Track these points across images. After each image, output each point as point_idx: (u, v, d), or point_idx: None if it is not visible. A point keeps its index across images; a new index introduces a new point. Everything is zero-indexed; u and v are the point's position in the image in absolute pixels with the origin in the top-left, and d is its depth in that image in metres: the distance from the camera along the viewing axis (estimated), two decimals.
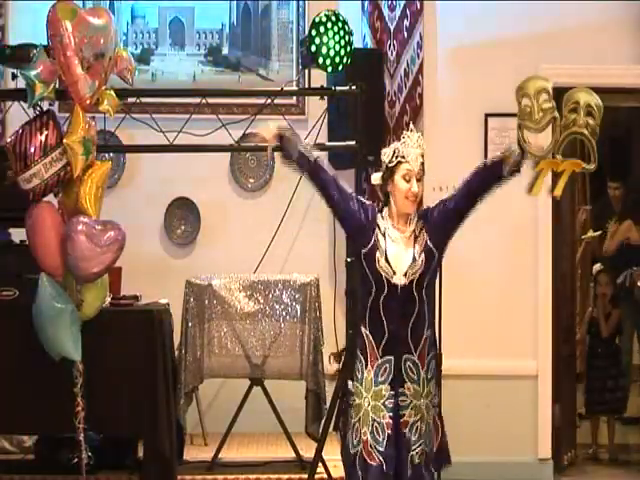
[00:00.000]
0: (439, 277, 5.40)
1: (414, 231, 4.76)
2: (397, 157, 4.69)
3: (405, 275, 4.68)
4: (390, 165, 4.72)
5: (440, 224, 4.75)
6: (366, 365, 4.71)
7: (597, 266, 8.48)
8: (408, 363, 4.70)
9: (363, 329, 4.74)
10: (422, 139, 4.74)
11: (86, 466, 6.00)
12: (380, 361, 4.69)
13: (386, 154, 4.74)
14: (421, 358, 4.72)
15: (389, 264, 4.68)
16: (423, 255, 4.70)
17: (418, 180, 4.71)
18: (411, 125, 4.85)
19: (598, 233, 8.59)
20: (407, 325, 4.69)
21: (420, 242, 4.73)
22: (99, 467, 6.25)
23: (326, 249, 7.31)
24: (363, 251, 4.72)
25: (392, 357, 4.68)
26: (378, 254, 4.69)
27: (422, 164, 4.72)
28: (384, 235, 4.75)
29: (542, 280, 7.48)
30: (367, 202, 4.86)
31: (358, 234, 4.79)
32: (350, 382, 4.76)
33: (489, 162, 4.96)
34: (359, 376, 4.73)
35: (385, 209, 4.80)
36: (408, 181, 4.68)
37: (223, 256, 7.25)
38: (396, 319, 4.68)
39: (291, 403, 6.84)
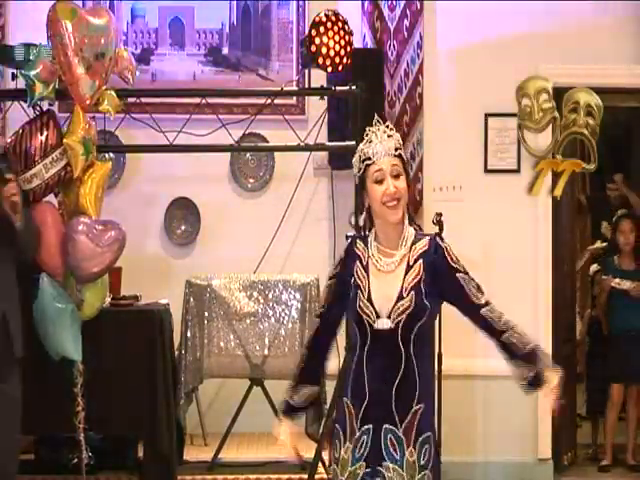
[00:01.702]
0: None
1: (406, 257, 3.85)
2: (363, 161, 3.85)
3: (389, 317, 3.79)
4: (359, 174, 3.87)
5: (440, 282, 3.84)
6: (344, 441, 3.85)
7: (594, 266, 8.47)
8: (389, 436, 3.79)
9: (345, 399, 3.89)
10: (391, 128, 3.92)
11: (86, 466, 6.02)
12: (358, 433, 3.81)
13: (354, 163, 3.90)
14: (407, 434, 3.77)
15: (371, 303, 3.80)
16: (413, 292, 3.79)
17: (396, 177, 3.82)
18: (375, 117, 3.98)
19: (604, 245, 8.57)
20: (391, 386, 3.78)
21: (413, 274, 3.82)
22: (99, 467, 6.25)
23: (326, 249, 7.31)
24: (347, 300, 3.86)
25: (370, 426, 3.80)
26: (359, 292, 3.82)
27: (400, 157, 3.86)
28: (366, 266, 3.88)
29: (542, 280, 7.48)
30: (342, 257, 4.05)
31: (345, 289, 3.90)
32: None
33: (512, 346, 4.02)
34: (337, 455, 3.87)
35: (370, 233, 3.92)
36: (381, 182, 3.81)
37: (223, 256, 7.25)
38: (378, 376, 3.79)
39: None
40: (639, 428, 7.96)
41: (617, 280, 7.81)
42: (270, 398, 6.52)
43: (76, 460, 6.05)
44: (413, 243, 3.85)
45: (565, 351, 7.75)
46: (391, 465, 3.77)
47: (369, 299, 3.79)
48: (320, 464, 6.17)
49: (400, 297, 3.78)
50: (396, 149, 3.87)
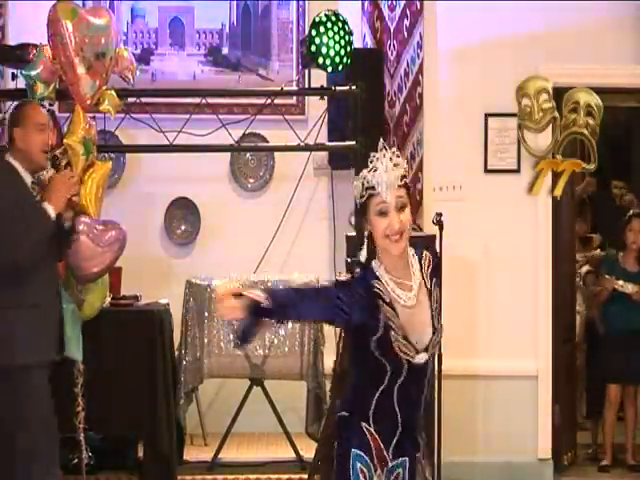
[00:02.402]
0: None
1: (422, 283, 3.75)
2: (367, 189, 3.66)
3: (426, 350, 3.71)
4: (361, 202, 3.70)
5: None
6: (375, 469, 3.69)
7: (585, 268, 8.46)
8: (419, 465, 3.77)
9: (364, 425, 3.71)
10: (397, 155, 3.69)
11: (86, 466, 6.01)
12: (391, 464, 3.71)
13: (356, 188, 3.71)
14: (426, 456, 3.83)
15: (408, 341, 3.67)
16: (438, 324, 3.76)
17: (401, 209, 3.65)
18: (381, 142, 3.71)
19: (602, 254, 8.55)
20: (418, 414, 3.76)
21: (434, 299, 3.77)
22: (99, 467, 6.25)
23: (326, 249, 7.31)
24: (374, 338, 3.65)
25: (407, 458, 3.73)
26: (393, 333, 3.65)
27: (406, 186, 3.68)
28: (390, 303, 3.68)
29: (542, 280, 7.47)
30: (348, 278, 3.95)
31: (364, 320, 3.67)
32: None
33: None
34: None
35: (374, 262, 3.74)
36: (385, 215, 3.65)
37: (223, 256, 7.25)
38: (410, 406, 3.73)
39: (291, 403, 6.85)
40: (637, 428, 7.95)
41: (620, 282, 7.80)
42: (270, 398, 6.53)
43: (76, 460, 6.05)
44: (419, 262, 3.76)
45: (565, 351, 7.75)
46: None
47: (405, 338, 3.66)
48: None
49: (434, 330, 3.74)
50: (402, 178, 3.66)
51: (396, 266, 3.72)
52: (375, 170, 3.65)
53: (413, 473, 3.73)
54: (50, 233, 5.23)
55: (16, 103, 5.65)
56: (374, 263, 3.73)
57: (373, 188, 3.64)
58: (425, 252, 3.80)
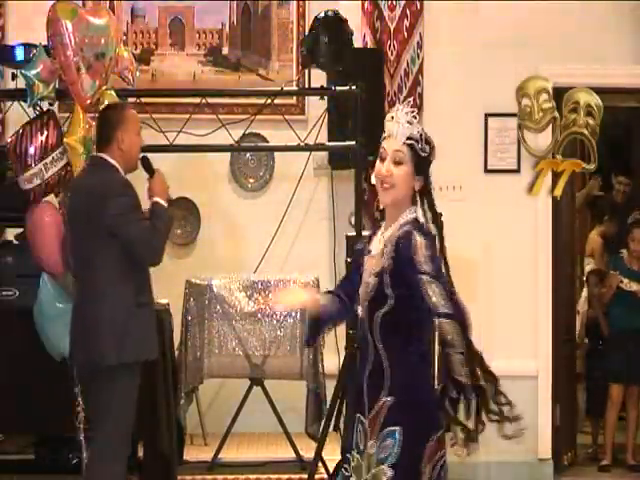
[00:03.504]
0: None
1: (386, 242, 3.81)
2: (383, 137, 3.85)
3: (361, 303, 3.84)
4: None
5: (405, 277, 3.73)
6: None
7: (588, 267, 8.45)
8: (359, 425, 3.80)
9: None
10: (413, 115, 3.84)
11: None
12: (346, 419, 3.99)
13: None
14: (371, 425, 3.73)
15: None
16: (376, 279, 3.75)
17: (396, 164, 3.78)
18: (407, 100, 4.09)
19: (595, 269, 8.53)
20: (362, 375, 3.80)
21: (381, 261, 3.77)
22: None
23: (326, 249, 7.30)
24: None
25: (352, 414, 3.87)
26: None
27: (411, 147, 3.79)
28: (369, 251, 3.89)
29: (542, 280, 7.48)
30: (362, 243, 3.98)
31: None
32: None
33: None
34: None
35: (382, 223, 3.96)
36: (382, 161, 3.81)
37: (223, 256, 7.25)
38: (360, 365, 3.83)
39: (291, 403, 6.85)
40: (639, 428, 7.95)
41: (626, 280, 7.80)
42: (270, 398, 6.53)
43: (76, 460, 6.05)
44: (400, 228, 3.79)
45: (565, 351, 7.76)
46: (355, 454, 3.77)
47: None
48: (320, 464, 6.17)
49: (366, 283, 3.78)
50: (409, 138, 3.79)
51: (389, 219, 3.83)
52: (392, 118, 3.81)
53: (353, 428, 3.78)
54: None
55: (110, 104, 5.68)
56: None
57: (385, 132, 3.80)
58: (419, 238, 3.76)
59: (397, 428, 3.69)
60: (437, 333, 3.71)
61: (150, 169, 5.46)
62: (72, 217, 5.33)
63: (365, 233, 4.08)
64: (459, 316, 3.72)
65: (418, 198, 3.86)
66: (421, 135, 3.82)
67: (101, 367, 5.12)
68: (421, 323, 3.79)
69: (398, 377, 3.72)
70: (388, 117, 3.82)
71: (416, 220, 3.82)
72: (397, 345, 3.74)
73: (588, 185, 9.15)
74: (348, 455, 3.79)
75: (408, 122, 3.80)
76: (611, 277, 7.86)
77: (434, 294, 3.68)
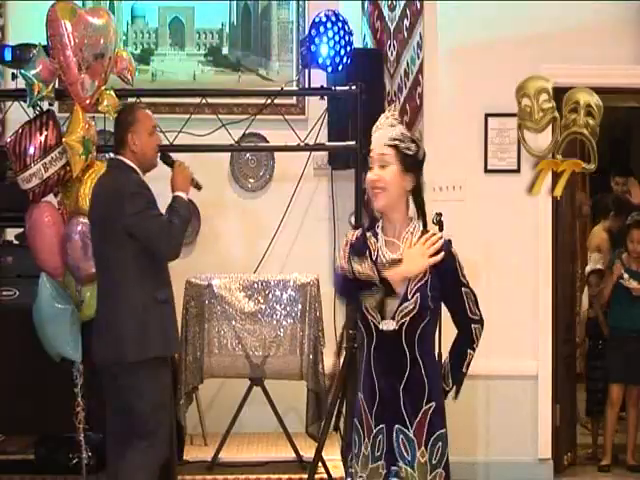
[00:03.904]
0: None
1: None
2: (370, 149, 3.92)
3: (394, 318, 3.80)
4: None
5: (444, 289, 3.89)
6: (364, 437, 3.88)
7: (589, 267, 8.45)
8: (401, 437, 3.82)
9: (360, 395, 3.91)
10: (392, 116, 3.91)
11: (86, 466, 6.01)
12: (374, 431, 3.85)
13: None
14: (418, 435, 3.80)
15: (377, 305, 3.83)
16: (418, 295, 3.80)
17: (382, 167, 3.83)
18: (389, 107, 4.06)
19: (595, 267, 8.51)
20: (398, 387, 3.82)
21: (420, 275, 3.82)
22: (99, 467, 6.25)
23: (326, 249, 7.31)
24: (362, 292, 3.84)
25: (383, 426, 3.84)
26: (365, 294, 3.82)
27: (395, 147, 3.83)
28: (375, 260, 3.86)
29: (542, 280, 7.48)
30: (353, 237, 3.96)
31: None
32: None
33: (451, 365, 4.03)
34: (356, 451, 3.90)
35: (378, 225, 3.95)
36: (371, 169, 3.88)
37: (223, 256, 7.25)
38: (385, 377, 3.82)
39: (291, 403, 6.85)
40: (639, 429, 7.95)
41: (626, 276, 7.80)
42: (270, 398, 6.52)
43: (76, 460, 6.05)
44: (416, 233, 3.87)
45: (565, 351, 7.75)
46: (403, 466, 3.78)
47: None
48: (320, 464, 6.17)
49: (405, 299, 3.79)
50: (392, 139, 3.84)
51: (387, 225, 3.87)
52: (377, 128, 3.90)
53: (391, 443, 3.79)
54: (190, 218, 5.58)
55: (124, 106, 5.80)
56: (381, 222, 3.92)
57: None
58: (453, 250, 3.92)
59: (443, 430, 3.85)
60: (465, 336, 4.00)
61: (170, 163, 5.62)
62: (92, 218, 5.49)
63: (355, 233, 3.99)
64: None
65: (411, 198, 3.89)
66: (403, 134, 3.87)
67: (122, 364, 5.19)
68: (436, 325, 4.00)
69: (433, 383, 3.87)
70: (373, 128, 3.90)
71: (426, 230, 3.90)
72: (429, 352, 3.89)
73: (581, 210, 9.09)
74: (394, 467, 3.80)
75: (390, 125, 3.87)
76: (614, 268, 7.86)
77: (473, 304, 3.99)
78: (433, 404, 3.83)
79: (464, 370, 4.03)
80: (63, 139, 5.76)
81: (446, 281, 3.87)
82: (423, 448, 3.79)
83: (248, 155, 7.53)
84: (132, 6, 7.54)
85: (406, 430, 3.79)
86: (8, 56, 6.14)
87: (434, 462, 3.81)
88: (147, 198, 5.32)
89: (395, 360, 3.80)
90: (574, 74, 7.28)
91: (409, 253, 3.80)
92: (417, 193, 3.92)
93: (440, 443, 3.82)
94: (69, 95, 5.81)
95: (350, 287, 3.85)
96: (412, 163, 3.87)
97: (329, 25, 6.37)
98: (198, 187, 5.72)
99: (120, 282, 5.27)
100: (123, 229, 5.22)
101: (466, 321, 3.97)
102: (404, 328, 3.78)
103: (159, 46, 7.55)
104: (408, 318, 3.77)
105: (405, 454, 3.80)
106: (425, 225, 3.94)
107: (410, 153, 3.86)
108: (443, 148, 7.35)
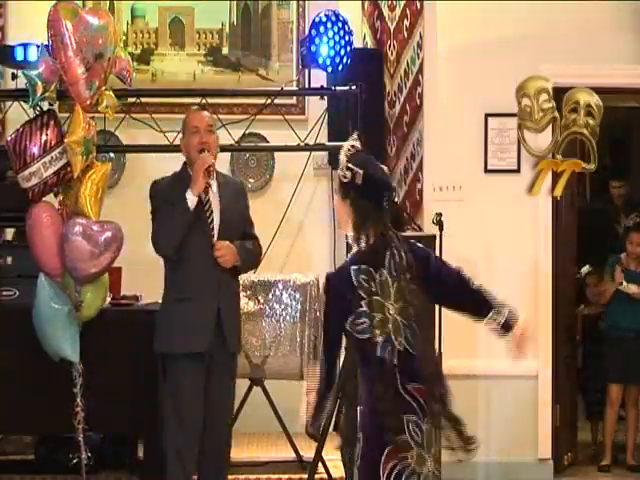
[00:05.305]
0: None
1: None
2: None
3: None
4: None
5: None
6: None
7: (585, 268, 8.45)
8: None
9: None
10: (349, 145, 4.31)
11: (86, 466, 6.00)
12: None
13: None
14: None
15: None
16: None
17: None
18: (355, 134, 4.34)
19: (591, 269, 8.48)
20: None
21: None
22: (99, 467, 6.25)
23: (326, 249, 7.31)
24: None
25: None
26: None
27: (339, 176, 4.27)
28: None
29: (542, 280, 7.48)
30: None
31: None
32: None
33: (483, 299, 4.50)
34: None
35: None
36: None
37: None
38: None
39: (291, 403, 6.84)
40: (639, 429, 7.95)
41: (625, 284, 7.80)
42: (270, 398, 6.52)
43: (76, 460, 6.05)
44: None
45: (565, 351, 7.75)
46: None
47: None
48: (320, 464, 6.17)
49: None
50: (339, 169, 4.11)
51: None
52: None
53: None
54: (188, 220, 5.55)
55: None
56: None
57: None
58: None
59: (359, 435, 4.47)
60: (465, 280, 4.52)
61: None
62: None
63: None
64: None
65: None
66: (341, 162, 4.13)
67: None
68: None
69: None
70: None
71: (420, 228, 4.28)
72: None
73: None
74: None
75: (343, 154, 4.12)
76: (616, 274, 7.85)
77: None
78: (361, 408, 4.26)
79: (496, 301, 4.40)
80: (64, 139, 5.75)
81: (431, 273, 4.21)
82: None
83: (248, 155, 7.54)
84: (132, 6, 7.54)
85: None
86: (20, 56, 6.15)
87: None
88: (155, 202, 5.66)
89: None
90: (574, 74, 7.29)
91: None
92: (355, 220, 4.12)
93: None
94: (69, 95, 5.81)
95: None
96: (347, 189, 4.14)
97: (329, 25, 6.37)
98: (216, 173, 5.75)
99: None
100: None
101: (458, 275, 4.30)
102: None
103: (159, 46, 7.55)
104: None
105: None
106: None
107: (345, 181, 4.13)
108: (443, 148, 7.36)
